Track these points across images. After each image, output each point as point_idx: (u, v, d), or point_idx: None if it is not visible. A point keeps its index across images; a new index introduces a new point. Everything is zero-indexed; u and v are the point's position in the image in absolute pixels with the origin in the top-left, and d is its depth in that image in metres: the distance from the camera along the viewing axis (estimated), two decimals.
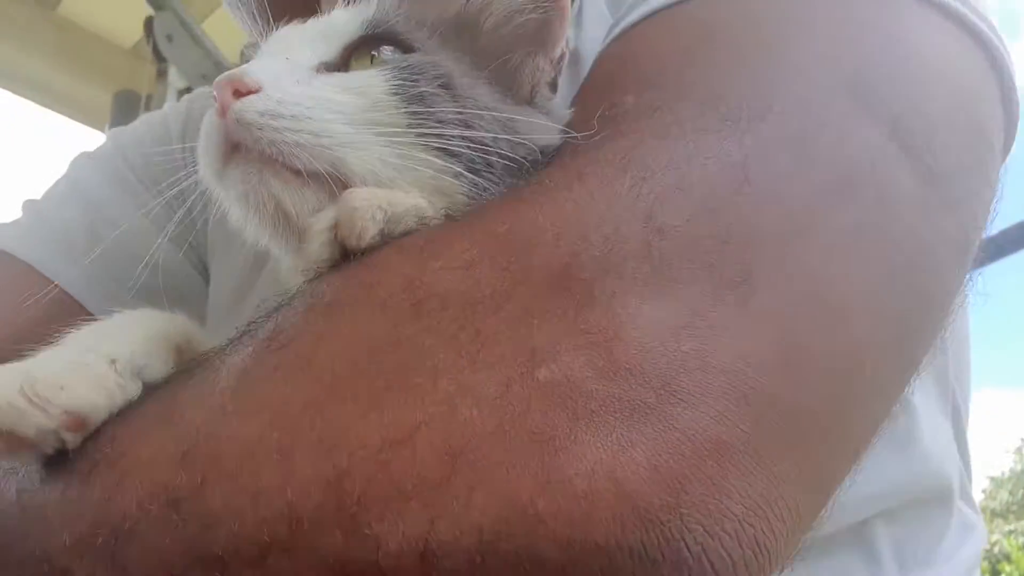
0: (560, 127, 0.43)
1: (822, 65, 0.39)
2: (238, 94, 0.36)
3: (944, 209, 0.39)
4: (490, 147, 0.40)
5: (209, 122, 0.38)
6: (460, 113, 0.39)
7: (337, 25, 0.41)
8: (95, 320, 0.38)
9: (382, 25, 0.40)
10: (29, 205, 0.71)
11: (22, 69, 2.34)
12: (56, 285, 0.64)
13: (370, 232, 0.34)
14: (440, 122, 0.39)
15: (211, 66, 1.88)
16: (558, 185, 0.36)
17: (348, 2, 0.42)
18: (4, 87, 2.37)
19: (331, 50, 0.40)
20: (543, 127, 0.43)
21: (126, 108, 2.13)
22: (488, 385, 0.30)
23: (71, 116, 2.37)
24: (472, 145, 0.39)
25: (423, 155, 0.38)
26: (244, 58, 0.53)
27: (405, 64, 0.39)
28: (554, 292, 0.32)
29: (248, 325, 0.35)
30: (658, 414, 0.29)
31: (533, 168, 0.40)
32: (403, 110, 0.38)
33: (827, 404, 0.33)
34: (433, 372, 0.30)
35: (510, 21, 0.45)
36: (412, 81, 0.39)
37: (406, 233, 0.35)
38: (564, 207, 0.34)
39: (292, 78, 0.38)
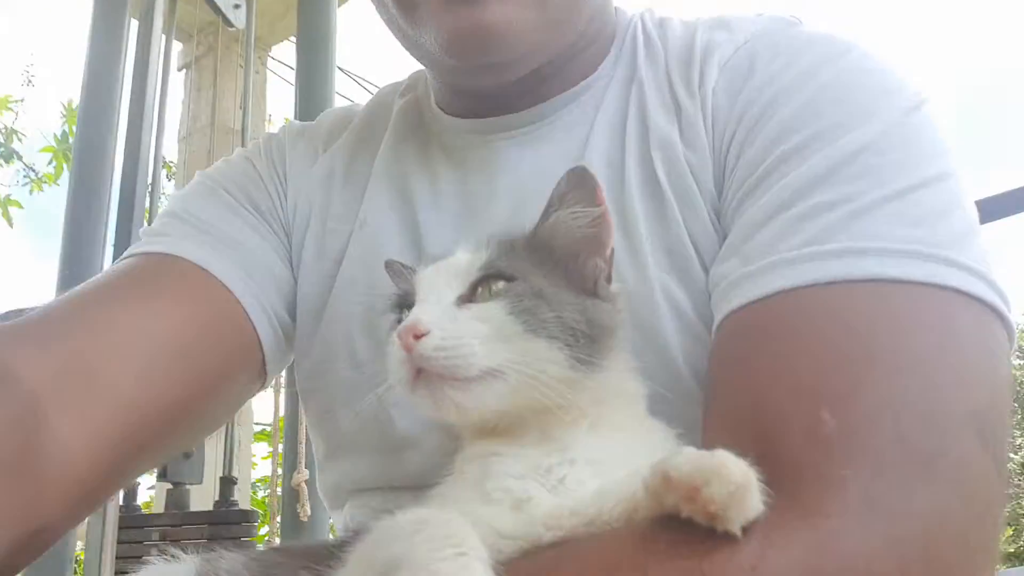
0: (616, 307, 0.64)
1: (959, 404, 0.55)
2: (416, 337, 0.55)
3: (1001, 481, 0.55)
4: (575, 328, 0.59)
5: (397, 356, 0.57)
6: (553, 312, 0.59)
7: (462, 267, 0.61)
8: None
9: (492, 267, 0.60)
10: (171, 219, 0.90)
11: None
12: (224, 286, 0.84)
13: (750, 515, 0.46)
14: (543, 320, 0.58)
15: None
16: (836, 518, 0.50)
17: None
18: None
19: (462, 286, 0.60)
20: (607, 311, 0.63)
21: None
22: None
23: None
24: (563, 328, 0.58)
25: (533, 344, 0.57)
26: (390, 268, 0.75)
27: (512, 291, 0.59)
28: None
29: None
30: None
31: (597, 340, 0.60)
32: (517, 321, 0.57)
33: None
34: None
35: (572, 235, 0.64)
36: (519, 301, 0.58)
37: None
38: (855, 542, 0.49)
39: (446, 317, 0.58)
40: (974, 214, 0.65)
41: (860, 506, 0.50)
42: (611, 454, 0.58)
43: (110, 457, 0.72)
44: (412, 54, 0.89)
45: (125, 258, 0.87)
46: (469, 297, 0.60)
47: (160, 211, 0.99)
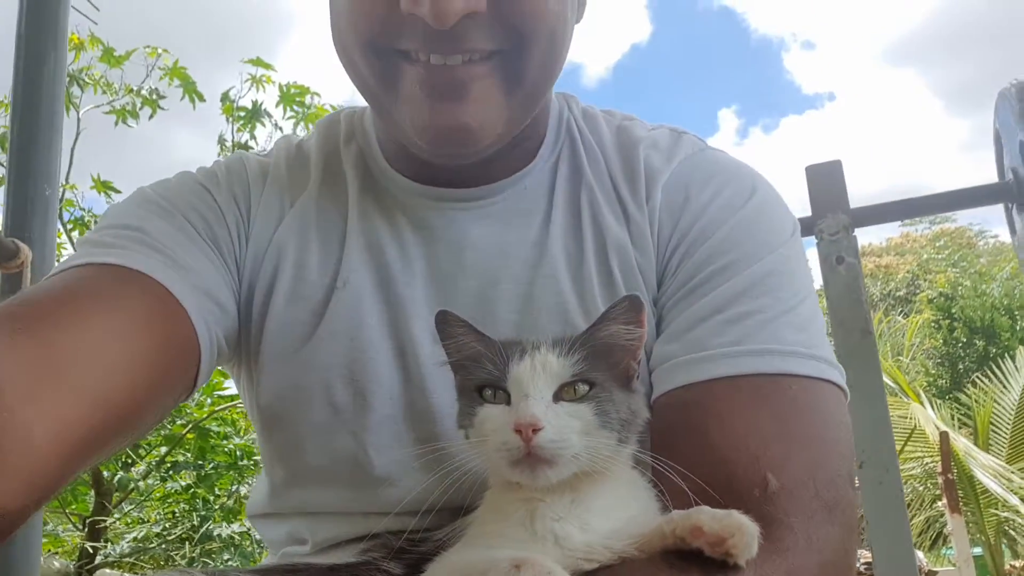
0: (641, 397, 0.84)
1: (843, 466, 0.86)
2: (535, 431, 0.72)
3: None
4: (624, 419, 0.79)
5: (512, 442, 0.73)
6: (616, 410, 0.78)
7: (554, 369, 0.77)
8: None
9: (582, 376, 0.78)
10: (125, 233, 0.93)
11: None
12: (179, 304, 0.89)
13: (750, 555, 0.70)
14: (611, 418, 0.77)
15: None
16: (792, 552, 0.77)
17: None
18: None
19: (554, 386, 0.77)
20: (639, 402, 0.83)
21: None
22: None
23: None
24: (620, 421, 0.78)
25: (601, 434, 0.76)
26: (444, 320, 0.84)
27: (595, 396, 0.77)
28: None
29: None
30: None
31: (632, 424, 0.80)
32: (597, 419, 0.76)
33: None
34: None
35: (620, 344, 0.82)
36: (599, 403, 0.77)
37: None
38: (805, 568, 0.77)
39: (551, 414, 0.74)
40: (821, 315, 0.97)
41: (804, 543, 0.79)
42: (615, 501, 0.79)
43: (71, 451, 0.76)
44: (376, 114, 1.00)
45: (78, 266, 0.89)
46: (559, 395, 0.77)
47: (102, 223, 0.97)
